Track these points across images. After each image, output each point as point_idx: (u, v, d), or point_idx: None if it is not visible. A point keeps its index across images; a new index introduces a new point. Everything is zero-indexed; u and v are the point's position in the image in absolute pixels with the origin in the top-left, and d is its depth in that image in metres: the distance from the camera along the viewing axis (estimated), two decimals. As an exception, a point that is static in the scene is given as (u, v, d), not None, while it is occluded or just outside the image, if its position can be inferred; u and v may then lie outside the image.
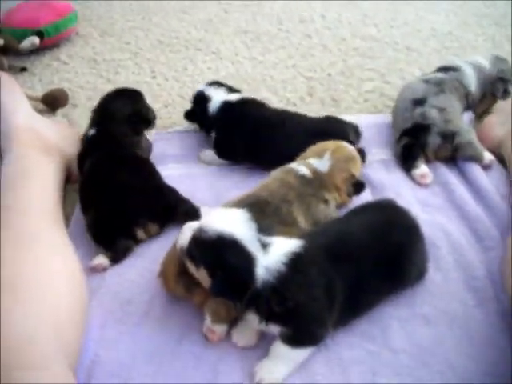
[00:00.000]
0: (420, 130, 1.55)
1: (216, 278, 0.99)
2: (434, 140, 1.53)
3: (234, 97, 1.65)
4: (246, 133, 1.56)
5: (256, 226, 1.02)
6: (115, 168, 1.41)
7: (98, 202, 1.35)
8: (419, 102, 1.60)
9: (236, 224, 1.00)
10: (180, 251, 1.08)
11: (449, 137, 1.53)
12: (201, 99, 1.67)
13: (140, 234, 1.33)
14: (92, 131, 1.51)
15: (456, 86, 1.68)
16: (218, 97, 1.64)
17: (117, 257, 1.29)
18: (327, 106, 1.91)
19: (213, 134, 1.63)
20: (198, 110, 1.70)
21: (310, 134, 1.49)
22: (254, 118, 1.58)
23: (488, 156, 1.55)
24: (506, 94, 1.77)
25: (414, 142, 1.55)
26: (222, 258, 0.98)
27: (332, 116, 1.65)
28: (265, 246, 1.01)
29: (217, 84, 1.71)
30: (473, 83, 1.72)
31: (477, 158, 1.54)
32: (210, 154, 1.64)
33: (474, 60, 1.78)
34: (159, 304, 1.19)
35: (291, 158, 1.40)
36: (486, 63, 1.76)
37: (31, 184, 1.33)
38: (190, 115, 1.75)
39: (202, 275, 1.03)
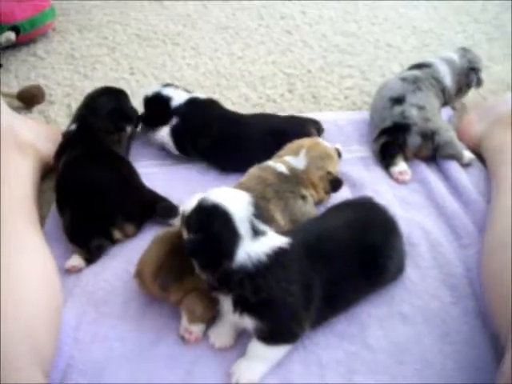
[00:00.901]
0: (400, 130, 1.54)
1: (195, 237, 1.00)
2: (413, 140, 1.53)
3: (201, 95, 1.63)
4: (211, 130, 1.53)
5: (255, 211, 1.02)
6: (92, 166, 1.38)
7: (74, 202, 1.32)
8: (398, 100, 1.59)
9: (234, 201, 1.01)
10: (181, 216, 1.10)
11: (429, 136, 1.53)
12: (160, 100, 1.59)
13: (117, 234, 1.32)
14: (73, 126, 1.51)
15: (432, 82, 1.69)
16: (181, 95, 1.60)
17: (92, 257, 1.27)
18: (307, 102, 1.90)
19: (172, 122, 1.57)
20: (157, 111, 1.60)
21: (272, 134, 1.51)
22: (221, 116, 1.57)
23: (468, 155, 1.55)
24: (479, 82, 1.78)
25: (392, 141, 1.55)
26: (207, 223, 0.99)
27: (295, 115, 1.67)
28: (257, 232, 1.00)
29: (173, 86, 1.64)
30: (447, 77, 1.73)
31: (457, 157, 1.54)
32: (165, 132, 1.58)
33: (445, 55, 1.79)
34: (135, 305, 1.18)
35: (256, 158, 1.39)
36: (455, 57, 1.77)
37: (4, 184, 1.30)
38: (148, 119, 1.65)
39: None
